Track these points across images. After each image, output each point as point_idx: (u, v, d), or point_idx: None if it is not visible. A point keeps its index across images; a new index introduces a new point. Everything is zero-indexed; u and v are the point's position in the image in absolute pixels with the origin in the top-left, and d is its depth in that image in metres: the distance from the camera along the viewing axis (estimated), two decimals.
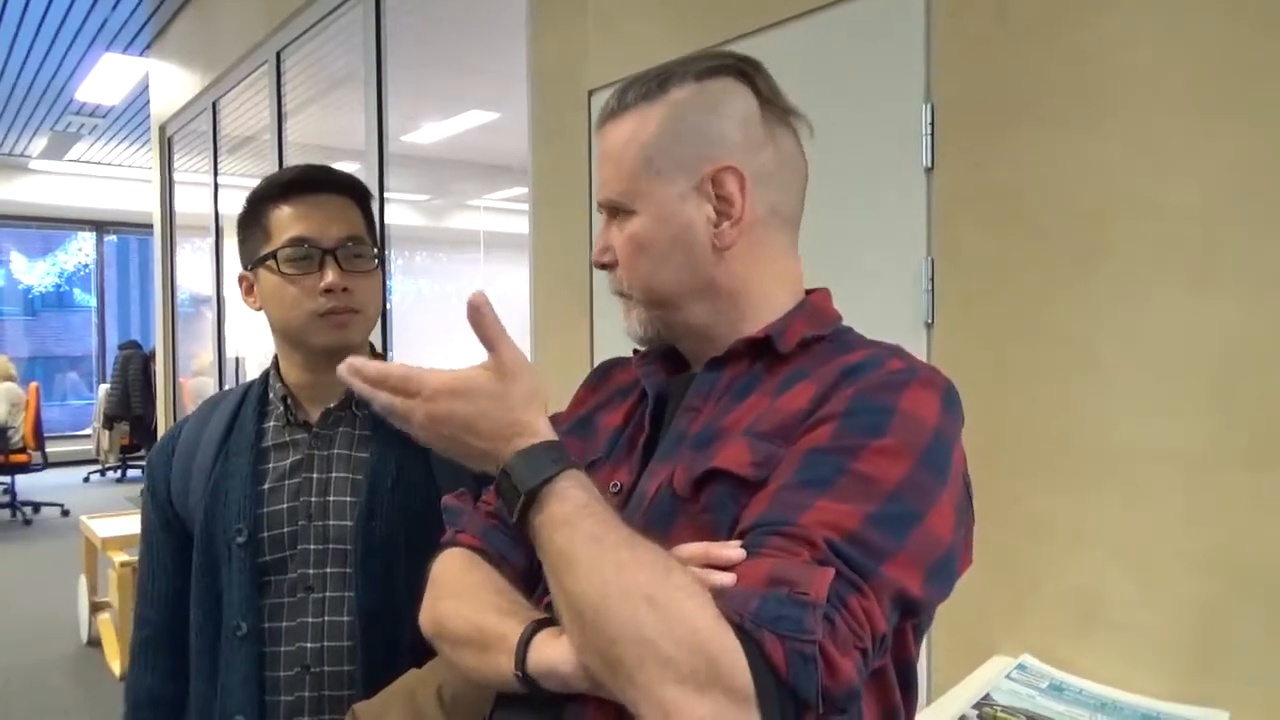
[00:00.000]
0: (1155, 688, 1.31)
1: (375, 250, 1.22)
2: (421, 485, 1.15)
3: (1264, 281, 1.24)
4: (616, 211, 0.83)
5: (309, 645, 1.14)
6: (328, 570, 1.15)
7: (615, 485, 0.81)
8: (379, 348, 1.59)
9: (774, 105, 0.83)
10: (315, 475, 1.18)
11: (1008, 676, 1.37)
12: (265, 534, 1.16)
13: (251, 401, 1.24)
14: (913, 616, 0.69)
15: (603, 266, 0.85)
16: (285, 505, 1.17)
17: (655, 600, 0.61)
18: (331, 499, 1.17)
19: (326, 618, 1.14)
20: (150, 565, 1.27)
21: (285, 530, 1.16)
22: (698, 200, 0.80)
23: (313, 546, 1.15)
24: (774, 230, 0.83)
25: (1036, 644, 1.43)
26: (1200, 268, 1.29)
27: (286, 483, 1.18)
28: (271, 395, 1.24)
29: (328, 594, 1.15)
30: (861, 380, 0.72)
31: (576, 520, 0.66)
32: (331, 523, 1.16)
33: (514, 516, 0.68)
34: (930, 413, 0.70)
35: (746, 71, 0.82)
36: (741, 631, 0.60)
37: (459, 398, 0.71)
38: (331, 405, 1.22)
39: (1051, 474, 1.43)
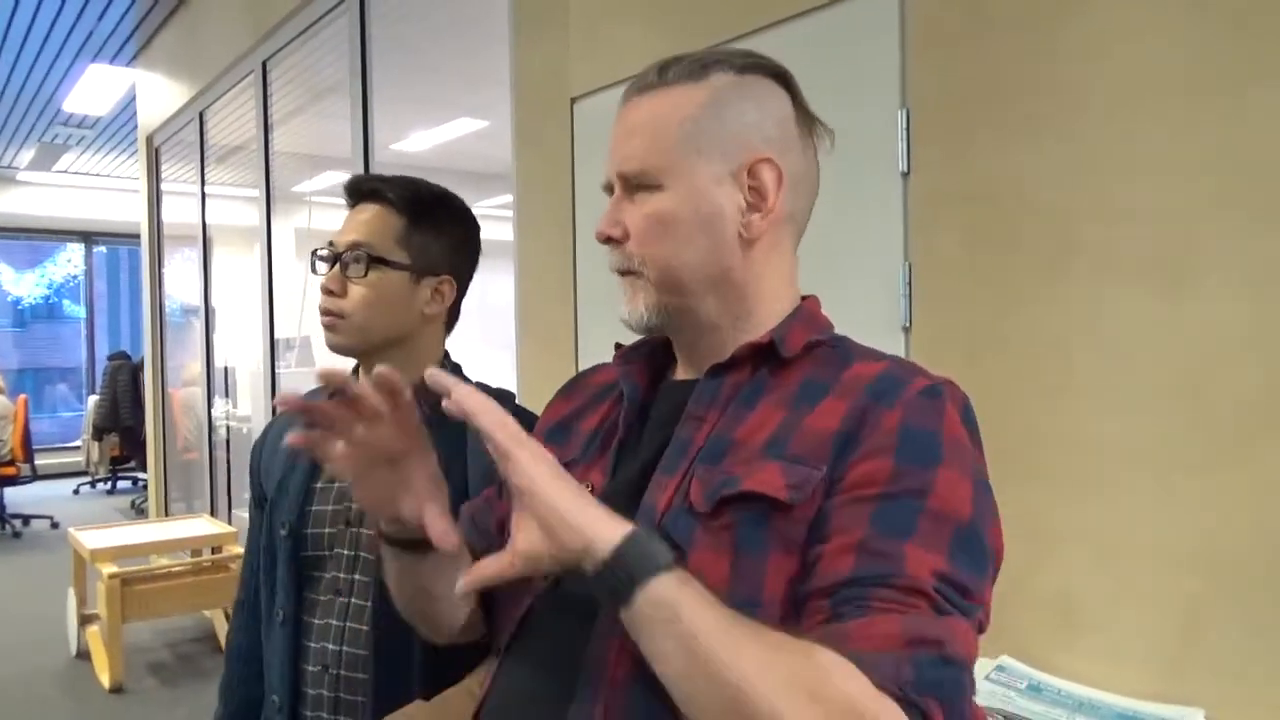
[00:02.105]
0: (1132, 687, 1.31)
1: (382, 258, 1.19)
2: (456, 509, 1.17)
3: (1235, 282, 1.25)
4: (637, 186, 0.80)
5: (330, 647, 1.17)
6: (356, 578, 1.18)
7: (587, 485, 0.80)
8: None
9: (804, 112, 0.84)
10: None
11: (986, 678, 1.37)
12: (309, 531, 1.20)
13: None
14: None
15: (608, 241, 0.82)
16: (330, 507, 1.20)
17: (819, 692, 0.59)
18: None
19: (349, 624, 1.17)
20: (250, 535, 1.33)
21: (326, 531, 1.20)
22: (732, 188, 0.79)
23: (346, 552, 1.18)
24: (789, 233, 0.83)
25: (1015, 645, 1.44)
26: (1173, 269, 1.31)
27: (335, 485, 1.22)
28: None
29: (353, 601, 1.18)
30: (897, 405, 0.71)
31: (705, 602, 0.62)
32: (364, 532, 1.18)
33: (622, 600, 0.63)
34: (960, 432, 0.72)
35: (782, 74, 0.83)
36: (905, 702, 0.60)
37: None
38: None
39: (1028, 475, 1.44)
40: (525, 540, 0.66)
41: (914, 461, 0.68)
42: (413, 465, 0.76)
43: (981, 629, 0.69)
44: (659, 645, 0.63)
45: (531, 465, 0.65)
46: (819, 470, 0.70)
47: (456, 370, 1.29)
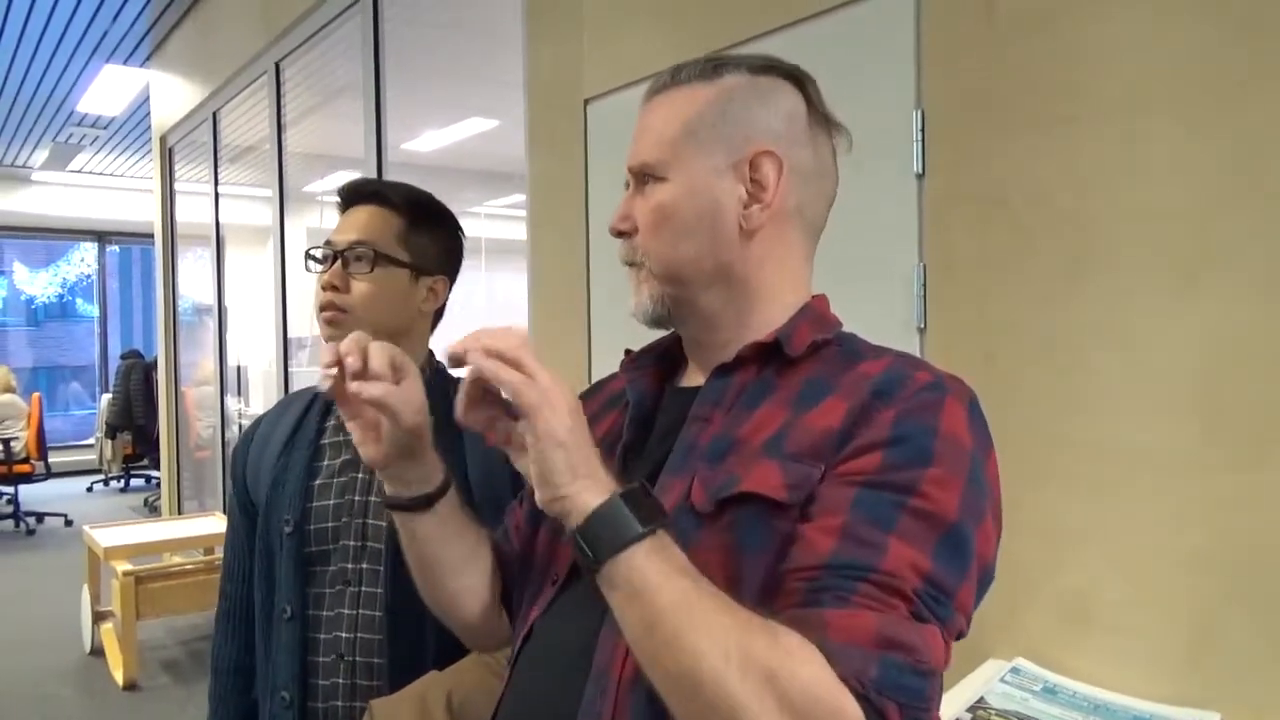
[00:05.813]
0: (1148, 690, 1.31)
1: (387, 255, 1.24)
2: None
3: (1251, 284, 1.24)
4: (646, 179, 0.82)
5: (343, 635, 1.21)
6: (364, 566, 1.22)
7: None
8: None
9: (819, 112, 0.84)
10: (360, 476, 1.25)
11: (1002, 680, 1.37)
12: (312, 526, 1.23)
13: (321, 399, 1.32)
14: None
15: (620, 234, 0.84)
16: (331, 501, 1.24)
17: (776, 674, 0.60)
18: (372, 500, 1.23)
19: (361, 611, 1.21)
20: (231, 544, 1.37)
21: (330, 525, 1.23)
22: (732, 180, 0.80)
23: (352, 543, 1.22)
24: (797, 230, 0.83)
25: (1030, 647, 1.43)
26: (1188, 271, 1.30)
27: (335, 480, 1.25)
28: None
29: (363, 589, 1.21)
30: (896, 401, 0.71)
31: (672, 578, 0.64)
32: (370, 522, 1.22)
33: (593, 569, 0.66)
34: (962, 430, 0.71)
35: (798, 76, 0.85)
36: (864, 699, 0.60)
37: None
38: None
39: (1043, 477, 1.44)
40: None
41: (903, 457, 0.68)
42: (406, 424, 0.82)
43: (960, 634, 0.69)
44: (622, 614, 0.65)
45: (552, 417, 0.67)
46: (817, 469, 0.70)
47: (440, 370, 1.32)
